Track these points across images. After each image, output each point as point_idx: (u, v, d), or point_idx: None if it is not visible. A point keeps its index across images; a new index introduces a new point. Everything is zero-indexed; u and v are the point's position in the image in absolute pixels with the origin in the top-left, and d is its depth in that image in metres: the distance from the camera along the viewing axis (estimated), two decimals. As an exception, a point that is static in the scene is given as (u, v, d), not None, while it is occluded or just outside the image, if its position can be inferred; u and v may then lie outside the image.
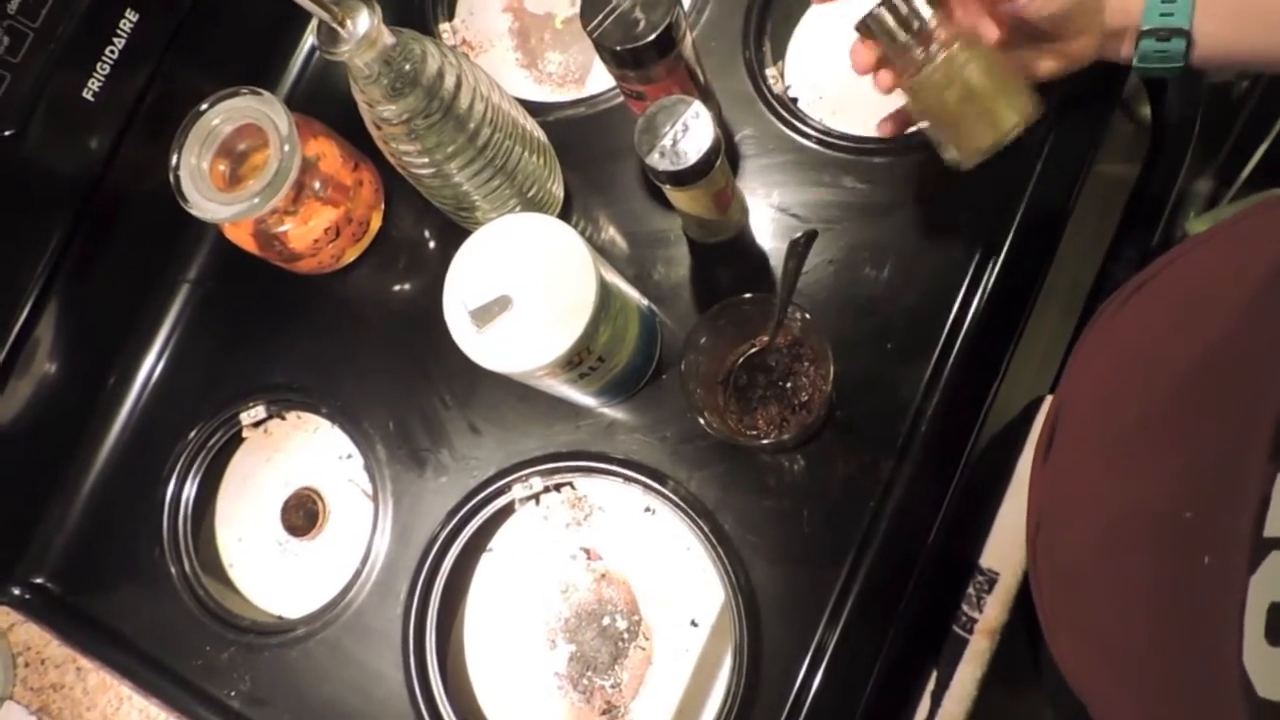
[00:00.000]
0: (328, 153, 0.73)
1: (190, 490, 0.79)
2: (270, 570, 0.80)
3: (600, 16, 0.62)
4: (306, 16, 0.53)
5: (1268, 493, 0.32)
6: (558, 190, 0.75)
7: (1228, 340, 0.41)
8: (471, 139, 0.62)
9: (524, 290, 0.60)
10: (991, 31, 0.56)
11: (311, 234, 0.73)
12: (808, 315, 0.62)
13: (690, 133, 0.60)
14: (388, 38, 0.56)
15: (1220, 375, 0.41)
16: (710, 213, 0.68)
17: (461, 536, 0.73)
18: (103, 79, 0.69)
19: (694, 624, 0.70)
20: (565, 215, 0.77)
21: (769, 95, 0.75)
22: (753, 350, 0.69)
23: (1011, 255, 0.67)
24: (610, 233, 0.76)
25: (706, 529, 0.67)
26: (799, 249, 0.61)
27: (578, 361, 0.61)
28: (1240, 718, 0.30)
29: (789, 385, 0.67)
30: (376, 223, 0.79)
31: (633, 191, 0.76)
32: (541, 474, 0.72)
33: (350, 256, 0.79)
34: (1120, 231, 0.81)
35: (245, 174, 0.71)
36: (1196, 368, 0.43)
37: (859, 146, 0.72)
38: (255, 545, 0.80)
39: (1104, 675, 0.48)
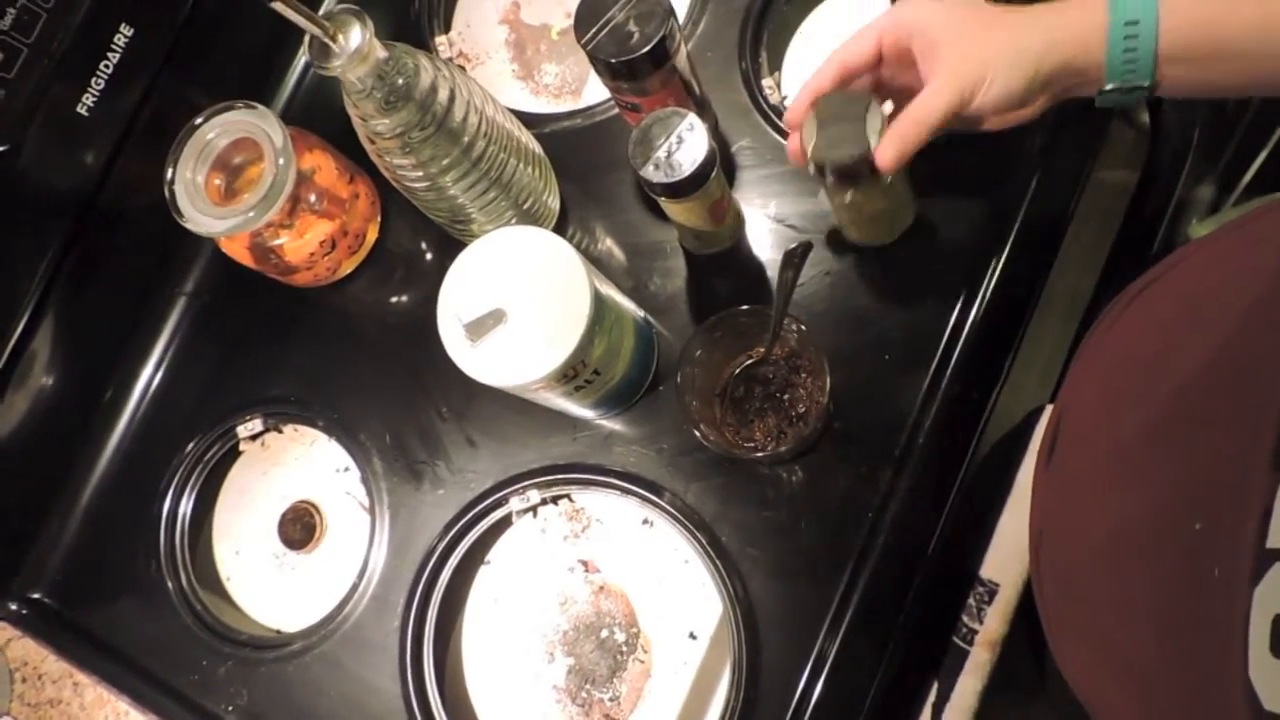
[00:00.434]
0: (323, 166, 0.73)
1: (187, 504, 0.79)
2: (267, 584, 0.80)
3: (594, 29, 0.62)
4: (301, 31, 0.53)
5: (1270, 503, 0.31)
6: (554, 202, 0.75)
7: (1230, 345, 0.41)
8: (465, 152, 0.62)
9: (518, 304, 0.59)
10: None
11: (307, 247, 0.73)
12: (803, 327, 0.62)
13: (685, 145, 0.60)
14: (380, 52, 0.56)
15: (1223, 381, 0.40)
16: (706, 224, 0.68)
17: (459, 549, 0.72)
18: (98, 94, 0.69)
19: (692, 636, 0.69)
20: (561, 227, 0.77)
21: (765, 106, 0.75)
22: (749, 362, 0.68)
23: (1010, 264, 0.67)
24: (606, 244, 0.76)
25: (704, 541, 0.67)
26: (795, 260, 0.61)
27: (573, 375, 0.61)
28: None
29: (786, 397, 0.67)
30: (373, 235, 0.79)
31: (629, 203, 0.76)
32: (539, 486, 0.72)
33: (346, 269, 0.79)
34: (1120, 239, 0.81)
35: (241, 187, 0.71)
36: (1199, 374, 0.42)
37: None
38: (252, 559, 0.80)
39: (1110, 685, 0.47)
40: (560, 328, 0.58)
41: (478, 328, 0.59)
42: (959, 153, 0.62)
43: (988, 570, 0.65)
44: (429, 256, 0.80)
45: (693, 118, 0.61)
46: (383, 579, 0.73)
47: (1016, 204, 0.67)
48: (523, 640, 0.72)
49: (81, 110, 0.69)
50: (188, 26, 0.74)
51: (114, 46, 0.69)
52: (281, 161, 0.66)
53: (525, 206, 0.71)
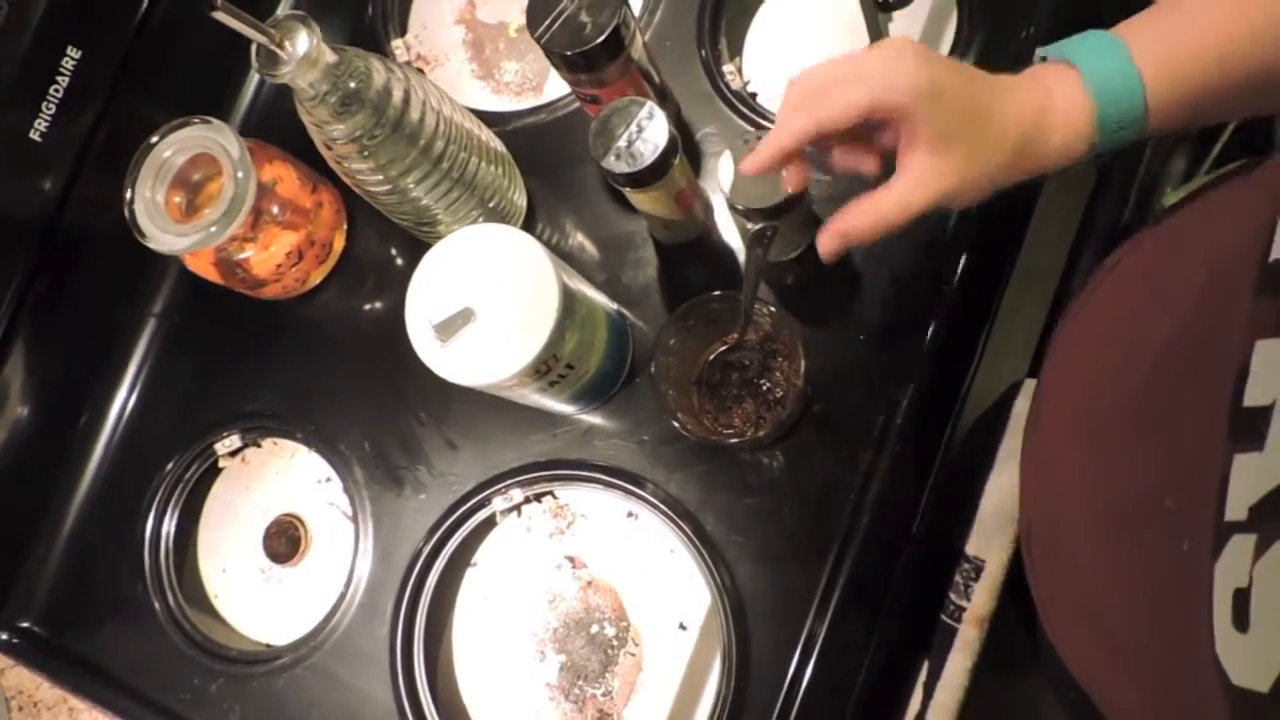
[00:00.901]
0: (284, 176, 0.72)
1: (170, 524, 0.79)
2: (256, 599, 0.79)
3: (547, 22, 0.61)
4: (249, 40, 0.52)
5: (1226, 474, 0.31)
6: (520, 199, 0.74)
7: (1191, 322, 0.41)
8: (424, 153, 0.62)
9: (486, 301, 0.59)
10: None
11: (273, 259, 0.72)
12: (773, 309, 0.62)
13: (644, 133, 0.60)
14: (329, 56, 0.55)
15: (1186, 358, 0.40)
16: (673, 213, 0.67)
17: (444, 553, 0.72)
18: (50, 119, 0.69)
19: (683, 627, 0.69)
20: (530, 224, 0.76)
21: (727, 92, 0.75)
22: (724, 348, 0.68)
23: (981, 240, 0.66)
24: (577, 239, 0.76)
25: (689, 531, 0.67)
26: (764, 239, 0.60)
27: (545, 370, 0.60)
28: (1222, 707, 0.29)
29: (763, 382, 0.67)
30: (340, 244, 0.78)
31: (596, 196, 0.75)
32: (521, 485, 0.72)
33: (316, 279, 0.78)
34: (1091, 211, 0.80)
35: (202, 204, 0.71)
36: (1166, 351, 0.42)
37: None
38: (239, 575, 0.80)
39: (1105, 663, 0.47)
40: (530, 323, 0.58)
41: (447, 328, 0.59)
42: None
43: (973, 547, 0.65)
44: (399, 261, 0.79)
45: (651, 106, 0.60)
46: (369, 587, 0.73)
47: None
48: (513, 640, 0.72)
49: (34, 136, 0.69)
50: (137, 44, 0.74)
51: (62, 70, 0.68)
52: (240, 175, 0.66)
53: (491, 205, 0.71)
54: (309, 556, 0.78)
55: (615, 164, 0.60)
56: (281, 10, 0.86)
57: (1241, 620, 0.29)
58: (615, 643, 0.70)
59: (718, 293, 0.63)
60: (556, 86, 0.82)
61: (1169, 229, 0.48)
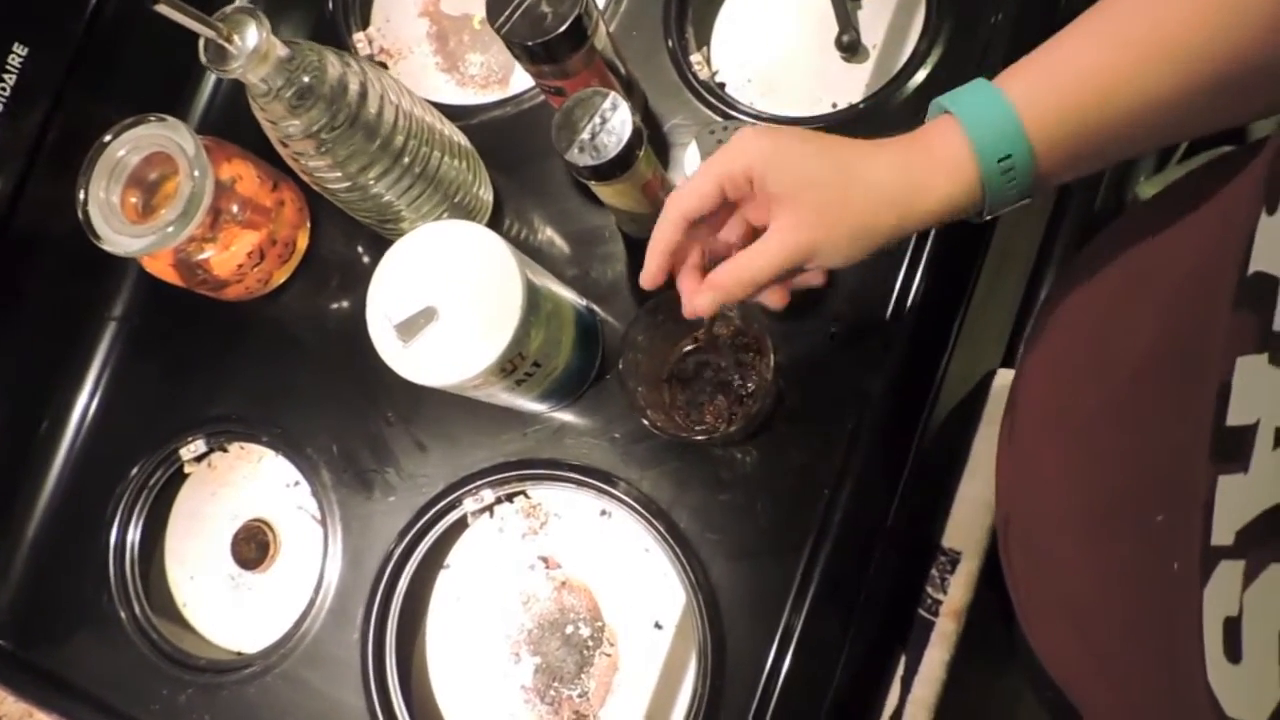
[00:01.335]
0: (244, 175, 0.70)
1: (135, 532, 0.77)
2: (225, 606, 0.78)
3: (507, 12, 0.60)
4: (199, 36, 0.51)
5: (1211, 498, 0.30)
6: (486, 195, 0.73)
7: (1171, 324, 0.40)
8: (384, 148, 0.61)
9: (449, 300, 0.58)
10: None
11: (234, 259, 0.71)
12: (742, 304, 0.61)
13: (608, 125, 0.59)
14: (280, 50, 0.54)
15: (1168, 363, 0.39)
16: (641, 206, 0.66)
17: (415, 555, 0.71)
18: (-3, 118, 0.67)
19: (658, 626, 0.68)
20: (497, 219, 0.75)
21: (695, 82, 0.74)
22: (694, 344, 0.67)
23: (951, 229, 0.65)
24: (545, 234, 0.74)
25: (663, 529, 0.66)
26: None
27: (511, 369, 0.59)
28: None
29: (734, 377, 0.66)
30: (303, 242, 0.77)
31: (564, 191, 0.74)
32: (492, 485, 0.71)
33: (279, 279, 0.77)
34: (1063, 200, 0.80)
35: (159, 203, 0.69)
36: (1148, 352, 0.41)
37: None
38: (208, 582, 0.78)
39: (1082, 663, 0.46)
40: (494, 321, 0.57)
41: (409, 327, 0.58)
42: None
43: (949, 539, 0.64)
44: (364, 260, 0.78)
45: (615, 97, 0.59)
46: (339, 592, 0.71)
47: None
48: (487, 642, 0.71)
49: (-19, 136, 0.67)
50: (88, 40, 0.71)
51: (9, 68, 0.66)
52: (197, 173, 0.64)
53: (456, 200, 0.69)
54: (278, 562, 0.77)
55: (579, 157, 0.59)
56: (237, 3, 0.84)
57: (1234, 651, 0.27)
58: (590, 643, 0.69)
59: (687, 286, 0.62)
60: (522, 79, 0.80)
61: (1148, 223, 0.47)
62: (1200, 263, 0.39)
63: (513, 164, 0.75)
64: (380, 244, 0.74)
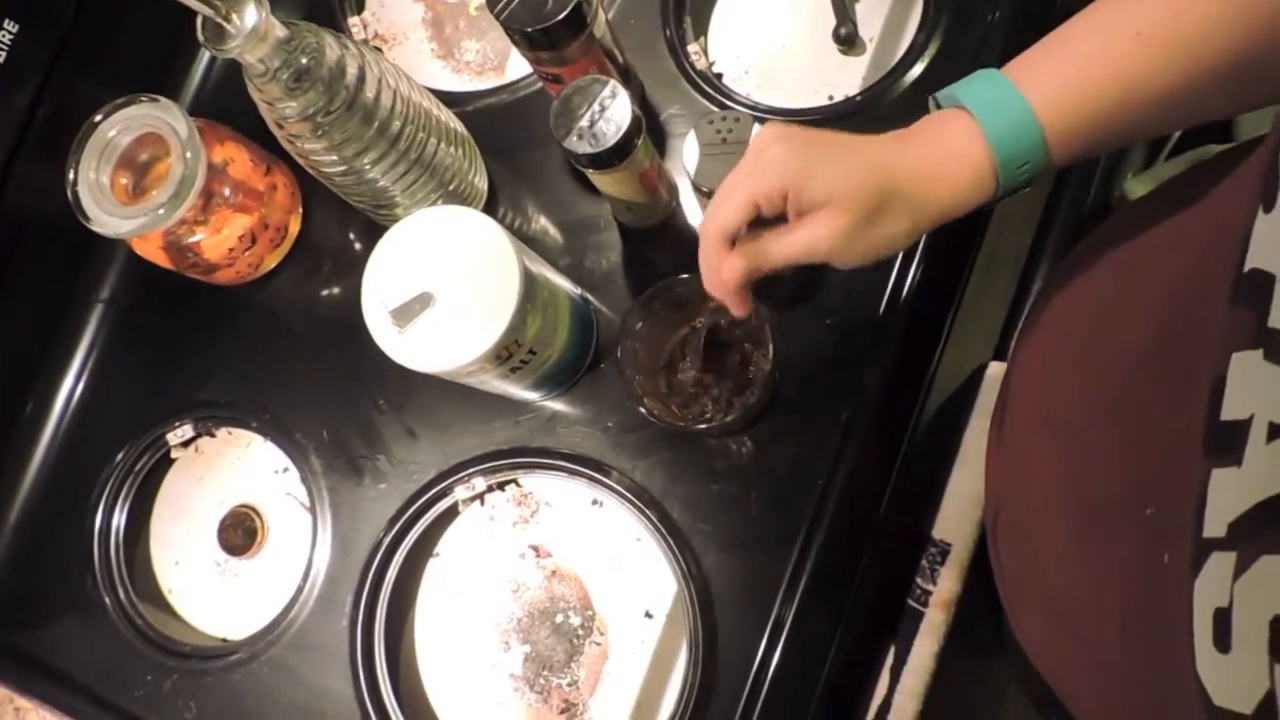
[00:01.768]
0: (236, 158, 0.70)
1: (120, 516, 0.76)
2: (211, 592, 0.77)
3: (506, -2, 0.60)
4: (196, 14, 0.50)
5: (1205, 489, 0.30)
6: (481, 182, 0.73)
7: (1164, 322, 0.40)
8: (380, 133, 0.60)
9: (445, 286, 0.58)
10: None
11: (225, 243, 0.70)
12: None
13: (607, 113, 0.59)
14: (279, 30, 0.53)
15: (1161, 359, 0.39)
16: (638, 195, 0.66)
17: (405, 543, 0.71)
18: (-14, 95, 0.66)
19: (649, 615, 0.68)
20: (491, 206, 0.75)
21: (692, 72, 0.73)
22: (691, 333, 0.67)
23: (944, 224, 0.66)
24: (540, 222, 0.74)
25: (655, 518, 0.66)
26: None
27: (506, 356, 0.59)
28: None
29: (731, 367, 0.66)
30: (295, 227, 0.76)
31: (559, 178, 0.74)
32: (483, 473, 0.70)
33: (270, 264, 0.76)
34: (1055, 194, 0.80)
35: (150, 185, 0.68)
36: (1141, 349, 0.41)
37: (787, 119, 0.71)
38: (193, 568, 0.78)
39: (1068, 658, 0.47)
40: (490, 308, 0.57)
41: (404, 313, 0.58)
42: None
43: (939, 530, 0.64)
44: (357, 246, 0.77)
45: (614, 84, 0.59)
46: (328, 579, 0.71)
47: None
48: (477, 631, 0.71)
49: (-30, 113, 0.66)
50: (79, 18, 0.70)
51: (-2, 44, 0.65)
52: (189, 155, 0.63)
53: (451, 187, 0.69)
54: (266, 548, 0.76)
55: (577, 144, 0.59)
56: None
57: (1223, 640, 0.28)
58: (580, 632, 0.69)
59: (684, 276, 0.62)
60: (518, 66, 0.80)
61: (1141, 222, 0.48)
62: (1194, 260, 0.39)
63: (507, 151, 0.75)
64: (373, 230, 0.74)
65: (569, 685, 0.68)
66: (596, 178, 0.63)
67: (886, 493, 0.65)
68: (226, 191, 0.69)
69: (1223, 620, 0.28)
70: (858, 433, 0.64)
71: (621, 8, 0.75)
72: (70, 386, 0.80)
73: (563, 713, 0.68)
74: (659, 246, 0.71)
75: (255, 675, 0.71)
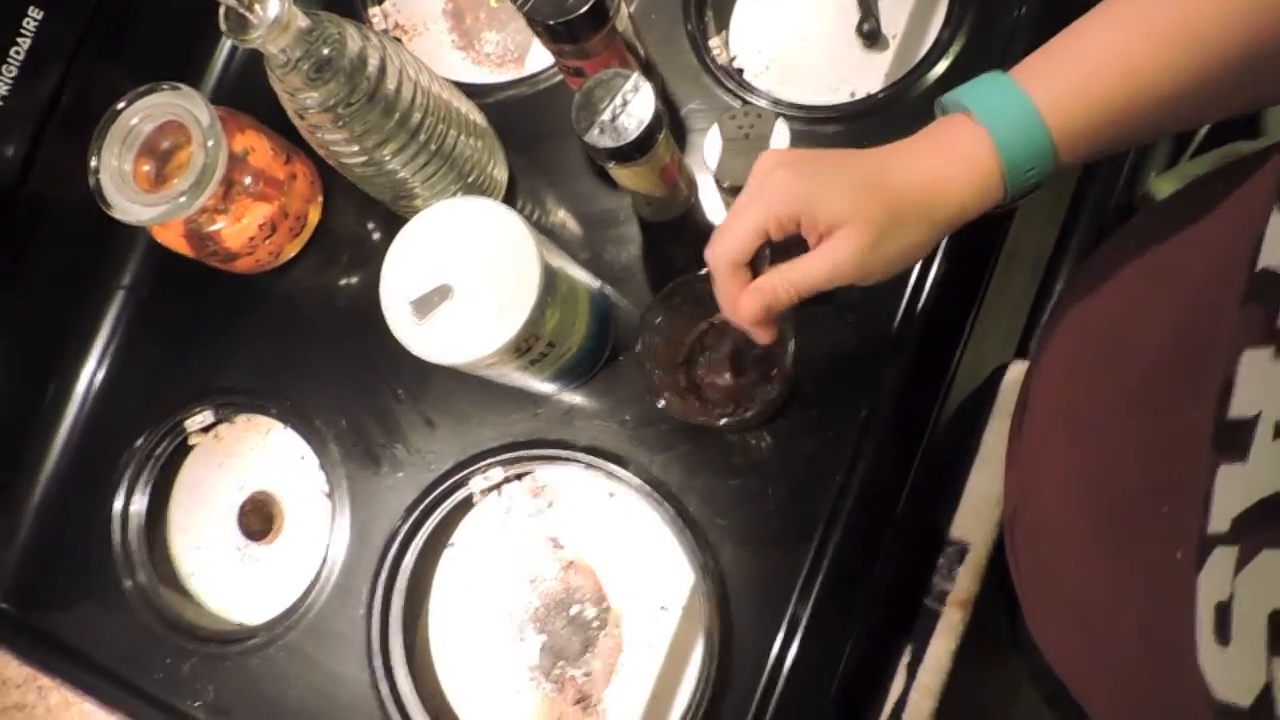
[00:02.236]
0: (257, 146, 0.70)
1: (141, 501, 0.77)
2: (231, 577, 0.78)
3: (530, -10, 0.60)
4: (217, 3, 0.50)
5: (1211, 485, 0.30)
6: (500, 174, 0.73)
7: (1184, 322, 0.40)
8: (401, 124, 0.60)
9: (465, 277, 0.58)
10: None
11: (246, 231, 0.70)
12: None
13: (629, 107, 0.58)
14: (301, 21, 0.53)
15: (1179, 359, 0.39)
16: (658, 189, 0.66)
17: (422, 532, 0.71)
18: (11, 82, 0.66)
19: (663, 609, 0.68)
20: (510, 199, 0.75)
21: (713, 67, 0.73)
22: (710, 328, 0.67)
23: (967, 224, 0.65)
24: (559, 215, 0.74)
25: (672, 512, 0.66)
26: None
27: (525, 348, 0.59)
28: (1205, 719, 0.29)
29: (750, 362, 0.66)
30: (315, 216, 0.76)
31: (579, 171, 0.74)
32: (501, 464, 0.71)
33: (290, 253, 0.76)
34: (1080, 193, 0.80)
35: (171, 173, 0.68)
36: (1161, 351, 0.41)
37: (808, 115, 0.70)
38: (213, 553, 0.78)
39: (1085, 659, 0.47)
40: (510, 300, 0.57)
41: (424, 305, 0.58)
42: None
43: (958, 530, 0.64)
44: (375, 236, 0.77)
45: (637, 78, 0.59)
46: (345, 566, 0.71)
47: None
48: (492, 621, 0.71)
49: (-6, 100, 0.66)
50: (102, 5, 0.71)
51: (24, 31, 0.66)
52: (211, 143, 0.64)
53: (471, 179, 0.69)
54: (284, 535, 0.77)
55: (599, 138, 0.58)
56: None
57: (1223, 634, 0.28)
58: (595, 624, 0.70)
59: (704, 272, 0.62)
60: (539, 58, 0.80)
61: (1164, 223, 0.47)
62: (1214, 262, 0.39)
63: (527, 144, 0.75)
64: (392, 220, 0.74)
65: (584, 676, 0.69)
66: (616, 172, 0.63)
67: (904, 491, 0.65)
68: (247, 180, 0.69)
69: (1223, 614, 0.28)
70: (876, 431, 0.64)
71: (643, 2, 0.75)
72: (91, 372, 0.80)
73: (578, 703, 0.68)
74: (678, 240, 0.71)
75: (272, 660, 0.71)
